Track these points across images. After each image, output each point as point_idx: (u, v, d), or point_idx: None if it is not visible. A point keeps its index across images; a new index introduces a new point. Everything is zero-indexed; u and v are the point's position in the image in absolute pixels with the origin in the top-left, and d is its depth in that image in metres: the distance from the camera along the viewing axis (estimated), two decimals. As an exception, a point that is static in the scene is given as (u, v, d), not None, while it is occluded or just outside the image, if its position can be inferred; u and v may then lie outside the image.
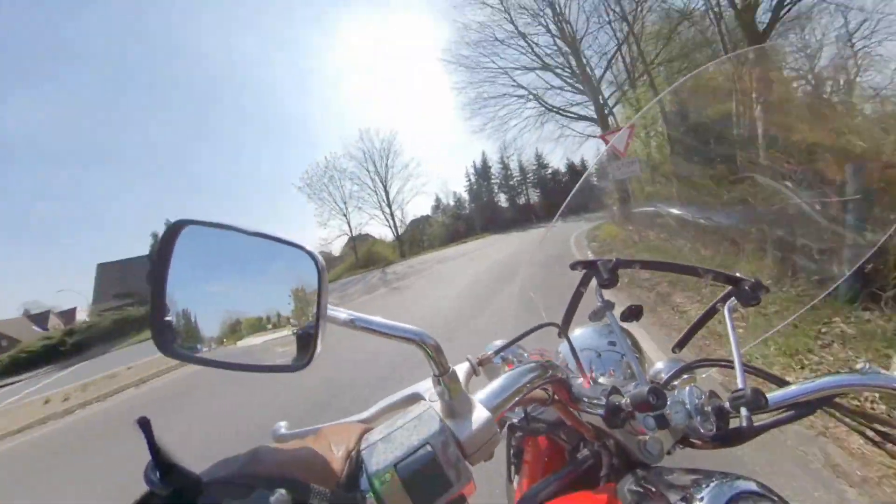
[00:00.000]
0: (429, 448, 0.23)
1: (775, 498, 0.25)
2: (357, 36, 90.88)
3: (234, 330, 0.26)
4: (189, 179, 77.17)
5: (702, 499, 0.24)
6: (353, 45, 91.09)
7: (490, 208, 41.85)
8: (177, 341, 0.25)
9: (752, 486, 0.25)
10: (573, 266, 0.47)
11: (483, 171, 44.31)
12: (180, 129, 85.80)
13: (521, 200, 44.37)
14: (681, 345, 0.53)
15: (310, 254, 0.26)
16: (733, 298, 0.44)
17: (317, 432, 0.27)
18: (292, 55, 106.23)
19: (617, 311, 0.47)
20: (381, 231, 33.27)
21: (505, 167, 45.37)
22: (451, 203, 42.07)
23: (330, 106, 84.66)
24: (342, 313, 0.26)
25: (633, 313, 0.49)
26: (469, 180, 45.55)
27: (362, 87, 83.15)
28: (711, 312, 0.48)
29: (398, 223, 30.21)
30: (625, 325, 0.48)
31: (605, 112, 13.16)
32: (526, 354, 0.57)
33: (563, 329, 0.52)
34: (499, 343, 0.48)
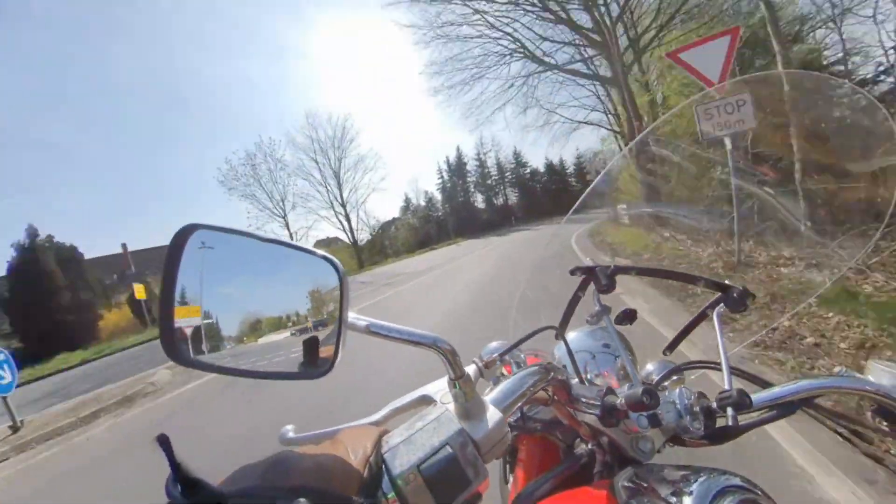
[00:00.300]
0: (449, 449, 0.27)
1: (758, 492, 0.31)
2: (324, 25, 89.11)
3: (248, 332, 0.29)
4: (114, 178, 68.62)
5: (691, 493, 0.29)
6: (318, 32, 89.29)
7: (465, 209, 41.90)
8: (186, 347, 0.28)
9: (737, 482, 0.31)
10: (573, 272, 0.54)
11: (458, 169, 44.21)
12: (106, 124, 76.18)
13: (499, 201, 45.08)
14: (671, 347, 0.60)
15: (330, 262, 0.28)
16: (722, 304, 0.52)
17: (331, 436, 0.30)
18: (244, 42, 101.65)
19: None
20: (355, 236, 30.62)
21: (481, 164, 45.16)
22: (423, 203, 42.08)
23: (286, 97, 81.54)
24: (361, 320, 0.29)
25: (628, 317, 0.57)
26: (442, 177, 44.85)
27: (323, 75, 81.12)
28: (702, 317, 0.55)
29: (360, 226, 27.89)
30: (619, 327, 0.57)
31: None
32: (523, 355, 0.63)
33: (561, 331, 0.59)
34: (497, 344, 0.57)
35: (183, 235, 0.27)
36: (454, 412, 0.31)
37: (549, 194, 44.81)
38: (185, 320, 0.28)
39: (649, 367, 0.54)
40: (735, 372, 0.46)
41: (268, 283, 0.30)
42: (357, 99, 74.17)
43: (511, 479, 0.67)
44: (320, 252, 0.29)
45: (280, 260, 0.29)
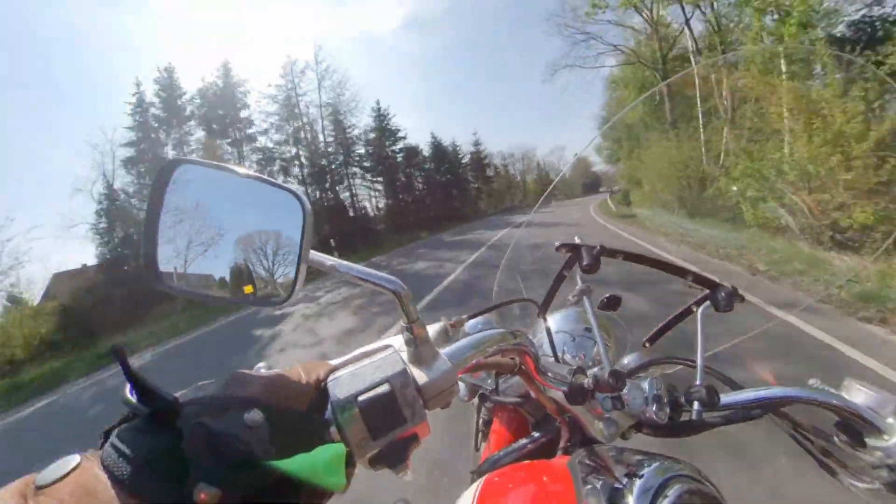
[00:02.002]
0: (388, 385, 0.35)
1: (707, 483, 0.39)
2: None
3: (222, 261, 0.39)
4: None
5: (642, 475, 0.38)
6: None
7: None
8: (166, 275, 0.36)
9: (688, 471, 0.40)
10: (558, 248, 0.64)
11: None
12: None
13: (346, 194, 27.06)
14: (652, 340, 0.73)
15: (297, 197, 0.36)
16: (708, 302, 0.61)
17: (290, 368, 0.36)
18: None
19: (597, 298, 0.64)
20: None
21: (291, 112, 22.78)
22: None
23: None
24: (326, 259, 0.38)
25: (612, 303, 0.69)
26: (134, 130, 18.18)
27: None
28: (686, 313, 0.66)
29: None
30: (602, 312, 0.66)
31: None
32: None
33: (543, 309, 0.73)
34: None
35: (167, 169, 0.35)
36: (404, 356, 0.38)
37: (439, 190, 32.26)
38: (164, 250, 0.36)
39: (627, 359, 0.64)
40: (710, 371, 0.54)
41: (242, 217, 0.38)
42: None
43: (482, 447, 0.84)
44: (286, 185, 0.37)
45: (253, 194, 0.37)
